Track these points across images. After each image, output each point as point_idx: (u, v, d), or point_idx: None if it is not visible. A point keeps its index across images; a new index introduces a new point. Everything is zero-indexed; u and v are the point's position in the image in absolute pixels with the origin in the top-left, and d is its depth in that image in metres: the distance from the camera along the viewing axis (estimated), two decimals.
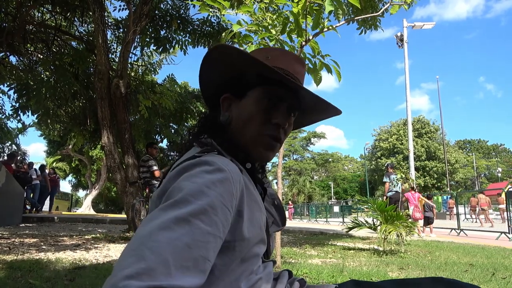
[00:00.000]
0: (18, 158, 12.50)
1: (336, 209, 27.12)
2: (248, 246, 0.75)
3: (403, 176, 16.63)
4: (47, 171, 14.16)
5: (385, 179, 10.10)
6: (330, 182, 58.89)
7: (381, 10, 5.20)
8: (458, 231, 12.08)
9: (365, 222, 6.78)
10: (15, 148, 19.07)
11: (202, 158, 0.73)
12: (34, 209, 12.53)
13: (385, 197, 9.66)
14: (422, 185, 44.78)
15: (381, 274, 3.73)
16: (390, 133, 51.45)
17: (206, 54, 0.88)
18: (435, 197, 24.91)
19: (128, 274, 0.53)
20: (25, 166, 12.04)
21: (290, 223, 18.98)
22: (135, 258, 0.54)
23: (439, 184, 46.88)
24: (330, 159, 64.03)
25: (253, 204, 0.78)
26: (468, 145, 69.99)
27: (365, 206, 7.23)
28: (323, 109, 0.98)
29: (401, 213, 6.48)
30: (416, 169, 40.97)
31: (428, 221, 11.56)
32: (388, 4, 4.73)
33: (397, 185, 9.70)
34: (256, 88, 0.88)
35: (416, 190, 12.54)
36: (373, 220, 6.83)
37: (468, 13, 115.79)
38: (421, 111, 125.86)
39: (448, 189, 37.23)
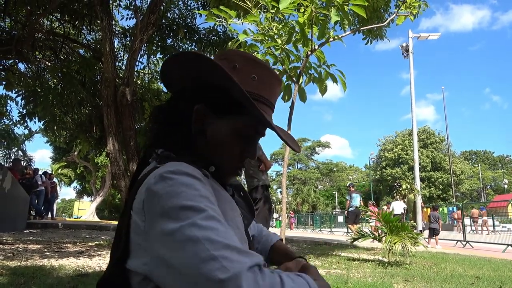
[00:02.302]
0: (24, 164, 12.56)
1: (340, 219, 26.90)
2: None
3: (409, 186, 16.59)
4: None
5: (347, 197, 12.42)
6: (334, 192, 58.60)
7: (387, 21, 5.22)
8: (464, 243, 11.93)
9: (369, 233, 6.72)
10: (21, 154, 19.20)
11: (169, 168, 0.71)
12: (38, 216, 12.56)
13: (346, 212, 12.17)
14: (427, 196, 44.44)
15: (386, 286, 3.69)
16: (395, 143, 51.27)
17: (186, 54, 0.85)
18: (440, 209, 24.70)
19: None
20: (30, 172, 12.09)
21: (294, 233, 18.86)
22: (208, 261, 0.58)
23: (444, 195, 46.51)
24: (334, 169, 63.81)
25: (226, 205, 0.80)
26: (474, 156, 69.50)
27: (370, 216, 7.17)
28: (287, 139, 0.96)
29: (406, 224, 6.42)
30: (421, 180, 40.64)
31: (433, 233, 11.44)
32: (394, 14, 4.75)
33: (355, 202, 11.89)
34: (236, 116, 0.85)
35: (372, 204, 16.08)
36: (378, 230, 6.77)
37: (474, 25, 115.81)
38: (427, 121, 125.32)
39: (454, 200, 36.90)
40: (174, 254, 0.61)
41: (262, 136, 0.92)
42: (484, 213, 22.71)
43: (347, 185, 14.28)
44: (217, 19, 3.83)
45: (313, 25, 3.79)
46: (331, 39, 4.13)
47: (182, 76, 0.89)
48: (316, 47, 4.02)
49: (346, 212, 12.30)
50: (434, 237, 11.35)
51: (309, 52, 4.01)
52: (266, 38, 3.83)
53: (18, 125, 11.50)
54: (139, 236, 0.70)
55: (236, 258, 0.58)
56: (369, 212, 14.78)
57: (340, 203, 56.61)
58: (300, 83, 4.08)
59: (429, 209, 14.09)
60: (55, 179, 16.68)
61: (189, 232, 0.60)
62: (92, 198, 28.20)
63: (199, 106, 0.84)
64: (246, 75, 0.85)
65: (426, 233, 12.09)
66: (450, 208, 25.72)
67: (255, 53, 3.75)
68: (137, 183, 0.76)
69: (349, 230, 12.98)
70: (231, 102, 0.84)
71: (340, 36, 4.19)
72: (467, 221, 17.27)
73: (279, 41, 3.87)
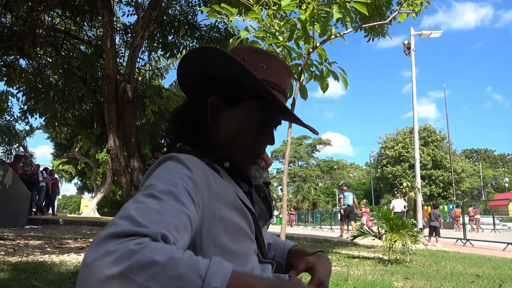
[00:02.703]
0: (27, 160, 12.60)
1: (364, 218, 26.90)
2: (229, 247, 0.75)
3: (409, 184, 16.60)
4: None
5: (340, 196, 13.26)
6: (335, 189, 58.63)
7: (389, 18, 5.20)
8: (464, 241, 11.94)
9: (370, 231, 6.73)
10: (22, 150, 19.24)
11: (169, 155, 0.76)
12: (39, 212, 12.60)
13: (341, 209, 12.75)
14: (428, 194, 44.42)
15: (386, 284, 3.69)
16: (396, 141, 51.21)
17: (198, 49, 0.86)
18: (441, 207, 24.71)
19: (115, 219, 0.57)
20: (31, 168, 12.11)
21: (294, 230, 18.89)
22: (120, 218, 0.57)
23: (445, 193, 46.49)
24: (335, 166, 63.77)
25: (229, 200, 0.78)
26: (474, 155, 69.44)
27: (370, 214, 7.18)
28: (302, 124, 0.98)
29: (406, 222, 6.42)
30: (422, 177, 40.65)
31: (434, 231, 11.45)
32: (396, 12, 4.74)
33: (348, 200, 12.52)
34: (250, 102, 0.86)
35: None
36: (378, 228, 6.78)
37: (477, 22, 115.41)
38: (428, 119, 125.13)
39: (454, 198, 36.91)
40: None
41: (277, 124, 0.92)
42: (477, 212, 22.90)
43: (340, 184, 14.84)
44: (218, 15, 3.82)
45: (315, 22, 3.78)
46: (332, 37, 4.12)
47: (195, 74, 0.91)
48: (318, 45, 4.01)
49: (340, 209, 13.07)
50: (435, 236, 11.36)
51: (310, 50, 4.00)
52: (268, 35, 3.82)
53: (19, 121, 11.56)
54: None
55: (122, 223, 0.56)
56: (362, 210, 15.97)
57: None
58: (301, 80, 4.08)
59: (429, 207, 14.10)
60: (56, 175, 16.69)
61: (134, 200, 0.63)
62: (93, 195, 28.26)
63: (213, 98, 0.86)
64: (255, 64, 0.86)
65: (426, 231, 12.09)
66: (451, 206, 25.72)
67: None
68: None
69: (349, 228, 13.18)
70: (244, 91, 0.86)
71: (342, 34, 4.19)
72: (466, 219, 17.31)
73: (281, 38, 3.86)
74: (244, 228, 0.80)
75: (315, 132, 0.98)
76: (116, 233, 0.52)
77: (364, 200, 19.30)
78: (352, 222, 13.05)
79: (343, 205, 12.61)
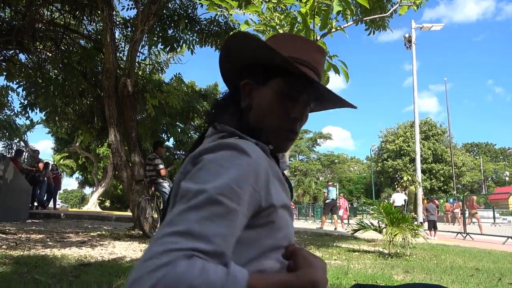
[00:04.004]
0: (36, 154, 12.64)
1: (341, 211, 26.96)
2: (278, 228, 0.76)
3: (410, 178, 16.62)
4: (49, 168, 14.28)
5: (324, 190, 14.29)
6: (335, 184, 58.72)
7: (390, 11, 5.17)
8: (464, 235, 11.97)
9: (370, 225, 6.74)
10: (23, 144, 19.26)
11: (225, 140, 0.74)
12: (40, 206, 12.64)
13: (324, 203, 13.79)
14: (429, 188, 44.48)
15: (386, 277, 3.71)
16: (396, 135, 51.17)
17: (227, 39, 0.89)
18: (441, 201, 24.76)
19: (168, 232, 0.56)
20: (40, 165, 12.12)
21: (295, 224, 18.91)
22: (171, 227, 0.57)
23: (445, 187, 46.55)
24: (336, 160, 63.78)
25: (279, 185, 0.79)
26: (475, 148, 69.37)
27: (371, 208, 7.20)
28: (337, 101, 0.98)
29: (406, 216, 6.43)
30: (423, 171, 40.66)
31: (433, 225, 11.48)
32: (397, 5, 4.71)
33: (332, 195, 13.40)
34: (277, 79, 0.88)
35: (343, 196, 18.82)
36: (378, 222, 6.79)
37: (478, 15, 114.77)
38: (429, 113, 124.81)
39: (455, 192, 36.95)
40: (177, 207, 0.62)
41: (309, 101, 0.91)
42: (457, 206, 23.28)
43: (327, 181, 16.59)
44: (218, 9, 3.81)
45: (315, 16, 3.76)
46: (333, 30, 4.11)
47: (228, 61, 0.95)
48: (318, 38, 4.00)
49: (323, 203, 14.05)
50: (433, 230, 11.39)
51: None
52: (268, 28, 3.81)
53: (20, 116, 11.55)
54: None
55: (195, 236, 0.57)
56: (340, 203, 16.93)
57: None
58: None
59: (425, 201, 14.14)
60: (58, 170, 16.74)
61: (192, 205, 0.61)
62: (94, 189, 28.33)
63: (244, 81, 0.90)
64: (281, 44, 0.90)
65: (425, 225, 12.12)
66: (451, 200, 25.77)
67: None
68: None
69: (332, 220, 13.94)
70: (272, 69, 0.88)
71: (342, 27, 4.17)
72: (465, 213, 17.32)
73: (281, 32, 3.84)
74: (288, 223, 0.80)
75: (353, 106, 0.98)
76: (175, 249, 0.54)
77: (341, 194, 20.26)
78: (335, 216, 14.22)
79: (327, 199, 13.34)
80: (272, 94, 0.87)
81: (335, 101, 0.98)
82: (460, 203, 20.82)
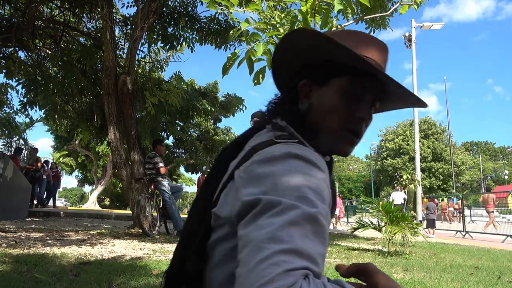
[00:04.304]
0: (35, 153, 12.66)
1: (337, 210, 27.04)
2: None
3: (409, 177, 16.67)
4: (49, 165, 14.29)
5: None
6: (335, 182, 58.71)
7: (391, 10, 5.17)
8: (464, 233, 11.99)
9: (370, 223, 6.75)
10: (23, 142, 19.23)
11: (294, 151, 0.66)
12: (40, 204, 12.64)
13: None
14: (428, 186, 44.52)
15: None
16: (396, 133, 51.19)
17: (286, 34, 0.83)
18: (439, 199, 24.83)
19: (278, 250, 0.52)
20: (38, 164, 12.14)
21: None
22: (277, 243, 0.53)
23: (444, 186, 46.59)
24: (335, 159, 63.85)
25: (331, 200, 0.75)
26: (475, 147, 69.43)
27: (370, 207, 7.20)
28: (405, 99, 0.90)
29: (406, 214, 6.44)
30: (422, 170, 40.70)
31: (433, 223, 11.51)
32: (398, 4, 4.70)
33: None
34: (340, 77, 0.82)
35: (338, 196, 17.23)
36: (378, 221, 6.80)
37: (478, 15, 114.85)
38: (429, 112, 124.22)
39: (454, 191, 37.01)
40: (257, 224, 0.57)
41: (375, 100, 0.84)
42: (451, 205, 23.65)
43: None
44: (218, 7, 3.79)
45: (316, 14, 3.75)
46: (334, 28, 4.09)
47: (284, 61, 0.89)
48: None
49: None
50: (432, 228, 11.42)
51: None
52: (268, 27, 3.79)
53: (19, 114, 11.56)
54: (233, 192, 0.69)
55: (305, 256, 0.53)
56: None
57: (341, 193, 56.78)
58: None
59: (426, 200, 14.16)
60: (58, 168, 16.73)
61: (288, 214, 0.56)
62: (94, 187, 28.32)
63: (303, 82, 0.84)
64: (345, 40, 0.82)
65: (424, 223, 12.15)
66: (454, 199, 25.85)
67: (257, 42, 3.72)
68: (252, 150, 0.73)
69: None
70: (333, 67, 0.82)
71: (343, 26, 4.16)
72: (466, 212, 17.38)
73: (282, 30, 3.83)
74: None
75: (424, 105, 0.91)
76: (293, 269, 0.51)
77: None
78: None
79: None
80: (334, 92, 0.81)
81: (403, 100, 0.91)
82: (460, 201, 21.00)
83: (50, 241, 4.95)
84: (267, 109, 0.89)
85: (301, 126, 0.79)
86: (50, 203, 14.16)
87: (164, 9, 8.49)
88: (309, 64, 0.85)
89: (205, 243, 0.73)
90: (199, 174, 16.35)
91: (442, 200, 23.93)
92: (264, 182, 0.62)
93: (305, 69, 0.86)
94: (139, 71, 9.48)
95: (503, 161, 62.75)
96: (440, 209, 22.76)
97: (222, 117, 18.71)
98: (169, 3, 8.74)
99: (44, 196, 13.10)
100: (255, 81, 3.79)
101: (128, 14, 9.64)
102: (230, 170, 0.75)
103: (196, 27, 8.82)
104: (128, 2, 8.68)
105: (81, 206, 28.48)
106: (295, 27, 3.87)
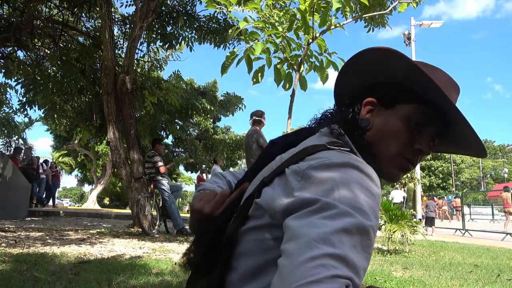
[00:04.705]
0: (29, 152, 12.62)
1: None
2: None
3: (409, 175, 16.71)
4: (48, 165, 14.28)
5: None
6: None
7: (389, 8, 5.16)
8: (463, 231, 12.01)
9: None
10: (22, 142, 19.21)
11: (353, 161, 0.66)
12: (39, 204, 12.64)
13: None
14: (428, 184, 44.56)
15: (385, 274, 3.72)
16: None
17: (369, 51, 0.82)
18: (438, 197, 24.91)
19: (329, 253, 0.52)
20: (35, 162, 12.11)
21: None
22: (329, 246, 0.53)
23: (444, 184, 46.63)
24: None
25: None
26: None
27: None
28: (466, 144, 0.87)
29: (405, 213, 6.45)
30: (422, 168, 40.75)
31: (431, 222, 11.54)
32: (397, 2, 4.70)
33: None
34: (407, 104, 0.81)
35: None
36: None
37: (478, 13, 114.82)
38: None
39: (454, 189, 37.05)
40: (305, 227, 0.57)
41: (437, 135, 0.83)
42: (445, 203, 24.18)
43: None
44: (217, 6, 3.79)
45: (315, 13, 3.75)
46: (332, 27, 4.09)
47: (359, 79, 0.88)
48: (318, 35, 3.99)
49: None
50: (431, 226, 11.44)
51: (310, 40, 3.98)
52: (267, 25, 3.79)
53: (18, 113, 11.52)
54: (281, 188, 0.69)
55: (350, 264, 0.53)
56: None
57: None
58: (301, 71, 4.06)
59: (425, 198, 14.18)
60: (57, 168, 16.72)
61: (343, 227, 0.55)
62: (93, 187, 28.31)
63: (369, 99, 0.83)
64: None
65: (423, 221, 12.18)
66: (450, 197, 25.89)
67: (256, 40, 3.72)
68: (303, 150, 0.73)
69: None
70: (403, 94, 0.81)
71: (341, 24, 4.15)
72: (466, 210, 17.42)
73: (280, 29, 3.83)
74: None
75: (484, 154, 0.88)
76: (338, 276, 0.51)
77: None
78: None
79: None
80: (399, 118, 0.80)
81: (464, 144, 0.88)
82: (457, 200, 21.11)
83: (49, 240, 4.95)
84: (321, 116, 0.89)
85: (358, 140, 0.79)
86: (50, 202, 14.15)
87: (163, 8, 8.48)
88: (379, 83, 0.84)
89: (239, 228, 0.74)
90: (198, 172, 16.36)
91: (440, 198, 24.04)
92: (323, 186, 0.62)
93: (373, 87, 0.85)
94: (138, 70, 9.48)
95: (503, 159, 62.80)
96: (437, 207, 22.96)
97: (222, 116, 18.70)
98: (168, 2, 8.73)
99: (44, 196, 13.08)
100: (254, 80, 3.79)
101: (127, 13, 9.65)
102: (277, 164, 0.76)
103: (195, 26, 8.82)
104: (127, 1, 8.68)
105: (80, 206, 28.49)
106: (295, 26, 3.88)
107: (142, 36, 8.07)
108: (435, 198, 16.96)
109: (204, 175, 13.75)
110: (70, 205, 33.61)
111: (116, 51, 8.45)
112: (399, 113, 0.81)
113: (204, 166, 17.90)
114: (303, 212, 0.59)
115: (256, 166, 0.86)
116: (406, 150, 0.80)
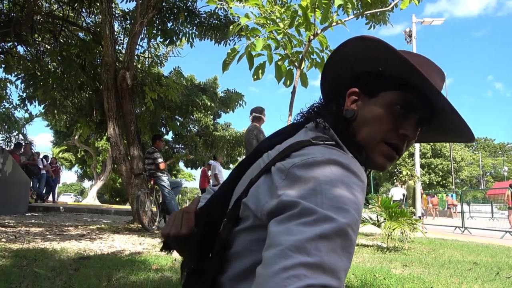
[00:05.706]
0: (28, 148, 12.60)
1: None
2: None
3: (409, 173, 16.72)
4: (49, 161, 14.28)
5: None
6: None
7: (391, 5, 5.14)
8: (463, 229, 12.03)
9: (369, 219, 6.76)
10: (22, 137, 19.21)
11: (336, 157, 0.66)
12: (39, 199, 12.65)
13: None
14: (427, 182, 44.60)
15: (384, 271, 3.72)
16: None
17: (346, 41, 0.82)
18: (439, 195, 24.92)
19: (303, 262, 0.51)
20: (35, 158, 12.12)
21: None
22: (303, 255, 0.53)
23: (444, 182, 46.66)
24: None
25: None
26: (474, 143, 69.41)
27: (370, 202, 7.22)
28: (454, 131, 0.87)
29: (405, 210, 6.45)
30: (422, 166, 40.73)
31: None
32: None
33: None
34: (391, 91, 0.81)
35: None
36: (377, 216, 6.81)
37: (480, 10, 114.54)
38: None
39: (453, 187, 37.06)
40: (280, 235, 0.57)
41: (423, 120, 0.82)
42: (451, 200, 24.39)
43: None
44: (218, 2, 3.77)
45: (316, 9, 3.73)
46: (334, 24, 4.08)
47: (342, 69, 0.88)
48: (319, 32, 3.97)
49: None
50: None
51: (311, 37, 3.96)
52: (268, 22, 3.78)
53: (18, 109, 11.52)
54: (266, 187, 0.69)
55: (328, 271, 0.53)
56: None
57: None
58: (302, 68, 4.04)
59: (425, 196, 14.23)
60: (57, 163, 16.73)
61: (320, 225, 0.55)
62: (93, 182, 28.34)
63: (352, 89, 0.84)
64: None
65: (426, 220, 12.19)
66: (450, 195, 25.93)
67: (257, 37, 3.70)
68: (288, 147, 0.73)
69: None
70: (385, 81, 0.81)
71: (343, 21, 4.14)
72: (465, 207, 17.46)
73: (281, 25, 3.82)
74: None
75: (472, 139, 0.87)
76: (310, 285, 0.50)
77: None
78: None
79: None
80: (382, 104, 0.80)
81: (450, 131, 0.88)
82: (453, 198, 21.18)
83: (49, 236, 4.96)
84: (308, 110, 0.89)
85: (343, 132, 0.79)
86: (50, 198, 14.17)
87: (163, 3, 8.45)
88: (362, 73, 0.85)
89: (232, 230, 0.75)
90: (203, 166, 16.34)
91: (434, 196, 24.20)
92: (304, 187, 0.62)
93: (356, 77, 0.85)
94: (139, 66, 9.45)
95: (503, 158, 62.86)
96: (431, 205, 23.00)
97: (222, 112, 18.66)
98: None
99: (44, 191, 13.09)
100: (255, 77, 3.78)
101: (127, 8, 9.61)
102: (264, 163, 0.76)
103: (196, 22, 8.78)
104: None
105: (80, 201, 28.52)
106: (296, 22, 3.86)
107: (143, 31, 8.05)
108: (435, 196, 16.99)
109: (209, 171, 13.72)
110: (75, 201, 33.71)
111: (117, 47, 8.43)
112: (383, 100, 0.81)
113: (210, 161, 17.90)
114: (284, 217, 0.59)
115: (243, 164, 0.86)
116: (391, 136, 0.80)
